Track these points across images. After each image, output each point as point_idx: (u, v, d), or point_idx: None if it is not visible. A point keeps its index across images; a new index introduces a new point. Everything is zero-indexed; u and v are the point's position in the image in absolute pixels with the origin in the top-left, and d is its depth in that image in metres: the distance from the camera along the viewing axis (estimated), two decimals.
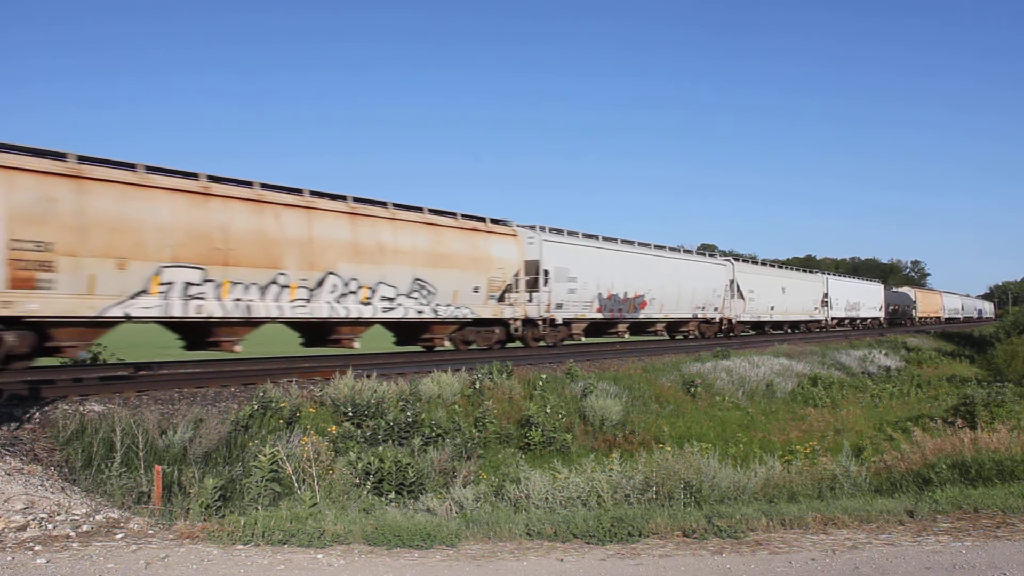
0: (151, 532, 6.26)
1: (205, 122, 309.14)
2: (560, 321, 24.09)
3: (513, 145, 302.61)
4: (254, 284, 14.81)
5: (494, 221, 21.89)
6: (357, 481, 8.67)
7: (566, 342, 25.57)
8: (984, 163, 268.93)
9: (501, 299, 21.19)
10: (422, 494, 8.75)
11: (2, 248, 11.49)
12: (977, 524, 6.57)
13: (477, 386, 14.05)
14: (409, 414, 11.59)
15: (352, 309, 16.69)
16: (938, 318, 76.52)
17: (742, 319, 36.12)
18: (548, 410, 13.24)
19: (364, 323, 17.47)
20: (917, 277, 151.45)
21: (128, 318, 13.01)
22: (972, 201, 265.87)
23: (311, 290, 15.83)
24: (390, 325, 19.31)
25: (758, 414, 17.90)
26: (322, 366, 15.47)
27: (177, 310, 13.54)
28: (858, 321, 54.65)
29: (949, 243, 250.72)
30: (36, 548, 5.68)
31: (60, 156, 12.42)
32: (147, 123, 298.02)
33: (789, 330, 43.49)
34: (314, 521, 6.31)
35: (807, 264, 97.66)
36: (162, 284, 13.36)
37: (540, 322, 23.12)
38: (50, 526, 6.16)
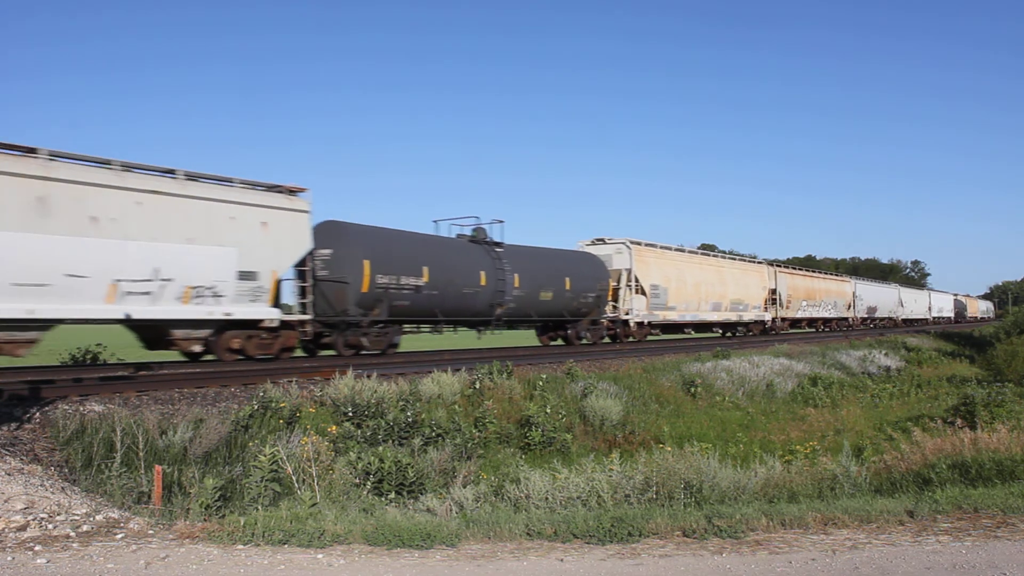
0: (151, 532, 6.26)
1: (204, 117, 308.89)
2: (866, 318, 56.46)
3: (509, 138, 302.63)
4: (814, 306, 45.58)
5: (846, 274, 63.90)
6: (357, 481, 8.67)
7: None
8: (984, 163, 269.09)
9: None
10: (422, 494, 8.75)
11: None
12: (977, 524, 6.56)
13: (477, 386, 14.03)
14: (409, 414, 11.57)
15: (824, 313, 47.35)
16: (975, 317, 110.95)
17: (903, 317, 67.47)
18: (548, 410, 13.23)
19: (820, 319, 46.92)
20: (917, 277, 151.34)
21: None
22: (972, 201, 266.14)
23: (817, 305, 45.70)
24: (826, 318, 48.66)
25: (758, 414, 17.89)
26: (322, 366, 15.48)
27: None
28: (941, 319, 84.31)
29: (949, 243, 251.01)
30: (36, 548, 5.68)
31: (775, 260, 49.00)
32: (145, 119, 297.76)
33: (914, 323, 70.30)
34: (314, 521, 6.31)
35: (807, 264, 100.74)
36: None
37: (852, 318, 53.47)
38: (50, 526, 6.16)
